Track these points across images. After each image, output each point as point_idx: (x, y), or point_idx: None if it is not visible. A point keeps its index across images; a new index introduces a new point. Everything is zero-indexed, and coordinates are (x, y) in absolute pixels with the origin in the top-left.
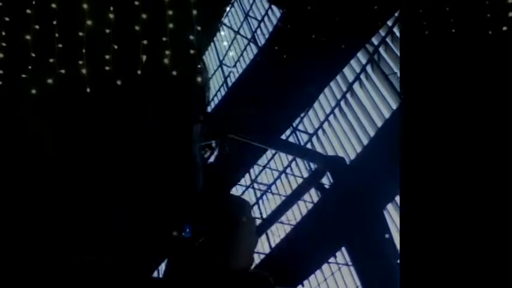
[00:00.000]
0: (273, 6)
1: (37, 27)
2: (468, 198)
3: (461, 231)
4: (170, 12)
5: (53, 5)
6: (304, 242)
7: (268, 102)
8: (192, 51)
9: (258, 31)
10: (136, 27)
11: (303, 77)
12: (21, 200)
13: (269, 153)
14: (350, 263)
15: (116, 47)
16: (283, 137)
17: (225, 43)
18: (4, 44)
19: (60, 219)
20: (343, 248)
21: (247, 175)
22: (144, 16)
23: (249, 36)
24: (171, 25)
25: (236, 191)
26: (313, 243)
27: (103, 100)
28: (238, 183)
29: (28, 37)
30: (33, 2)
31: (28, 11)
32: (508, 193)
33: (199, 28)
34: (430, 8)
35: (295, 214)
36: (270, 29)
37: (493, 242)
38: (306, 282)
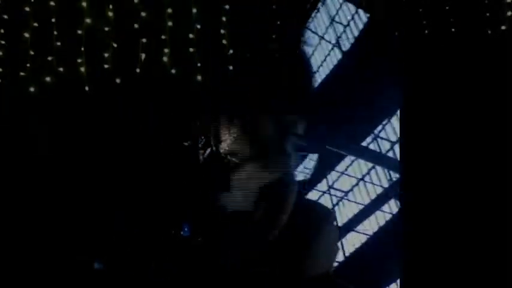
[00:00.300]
0: (359, 11)
1: (36, 25)
2: (471, 199)
3: (464, 232)
4: (169, 10)
5: (52, 3)
6: (380, 254)
7: (350, 108)
8: (191, 49)
9: (343, 36)
10: (136, 25)
11: (387, 83)
12: (20, 200)
13: (348, 159)
14: None
15: (115, 45)
16: (364, 143)
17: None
18: (3, 42)
19: (60, 219)
20: None
21: (324, 180)
22: (143, 14)
23: (334, 41)
24: (170, 23)
25: (312, 196)
26: (390, 255)
27: (102, 99)
28: (314, 188)
29: (27, 35)
30: (32, 0)
31: (27, 9)
32: (508, 192)
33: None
34: (430, 7)
35: (372, 224)
36: (356, 33)
37: (494, 243)
38: None
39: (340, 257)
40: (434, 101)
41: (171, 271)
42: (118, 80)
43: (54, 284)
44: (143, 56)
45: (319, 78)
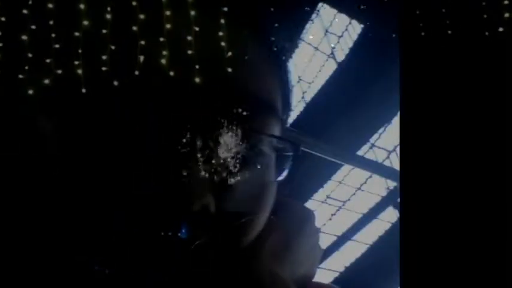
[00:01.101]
0: (354, 21)
1: (33, 27)
2: (473, 206)
3: (463, 234)
4: (168, 13)
5: (50, 5)
6: (379, 262)
7: (346, 118)
8: (190, 52)
9: (337, 47)
10: (134, 28)
11: (382, 92)
12: (21, 200)
13: (345, 168)
14: None
15: (113, 47)
16: (360, 153)
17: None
18: (1, 45)
19: (60, 219)
20: None
21: (321, 190)
22: (141, 16)
23: (328, 52)
24: (168, 25)
25: (309, 205)
26: (389, 264)
27: (100, 100)
28: (311, 197)
29: (25, 37)
30: (30, 2)
31: (25, 11)
32: (507, 193)
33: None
34: (427, 9)
35: (371, 232)
36: (350, 44)
37: (494, 243)
38: None
39: (338, 266)
40: (433, 103)
41: (170, 272)
42: (116, 83)
43: (53, 284)
44: (141, 58)
45: (314, 88)
